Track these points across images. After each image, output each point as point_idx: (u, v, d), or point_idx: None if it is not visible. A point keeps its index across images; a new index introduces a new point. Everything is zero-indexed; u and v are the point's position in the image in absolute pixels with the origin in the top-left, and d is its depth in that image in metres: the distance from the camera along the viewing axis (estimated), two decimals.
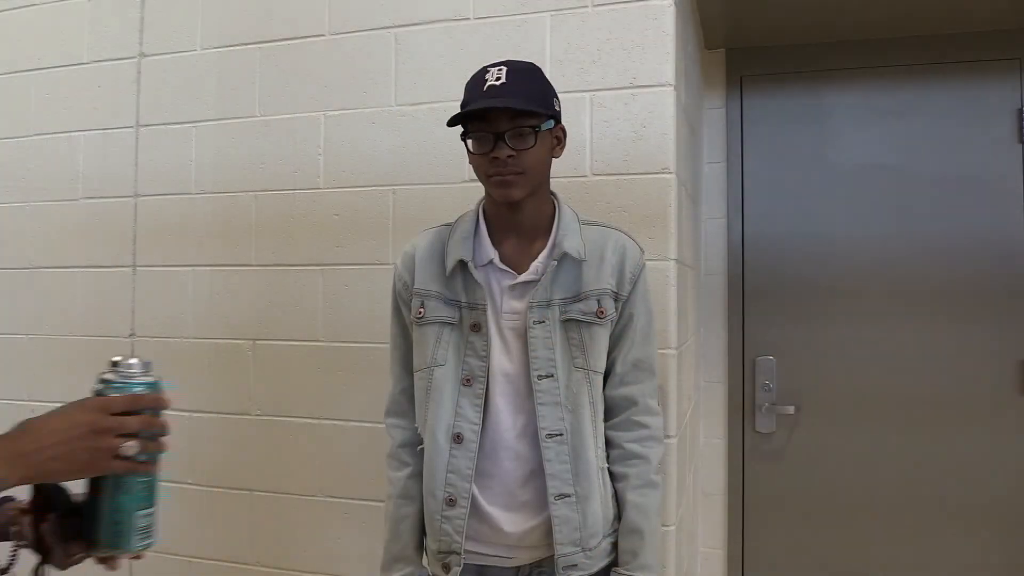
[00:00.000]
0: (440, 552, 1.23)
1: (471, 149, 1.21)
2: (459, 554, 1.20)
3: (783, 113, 2.42)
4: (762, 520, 2.39)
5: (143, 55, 2.11)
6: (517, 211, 1.24)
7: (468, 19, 1.81)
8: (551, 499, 1.19)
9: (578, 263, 1.23)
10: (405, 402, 1.33)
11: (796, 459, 2.36)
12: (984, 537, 2.21)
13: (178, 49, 2.07)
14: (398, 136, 1.85)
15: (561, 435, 1.20)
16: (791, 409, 2.34)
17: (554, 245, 1.23)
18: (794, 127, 2.40)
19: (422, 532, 1.30)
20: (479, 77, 1.22)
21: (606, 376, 1.26)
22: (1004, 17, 2.18)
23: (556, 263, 1.22)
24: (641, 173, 1.66)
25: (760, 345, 2.40)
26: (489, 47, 1.77)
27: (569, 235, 1.24)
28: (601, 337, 1.23)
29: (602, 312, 1.22)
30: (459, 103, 1.22)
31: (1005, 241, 2.22)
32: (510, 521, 1.22)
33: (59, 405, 0.76)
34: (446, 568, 1.22)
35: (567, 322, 1.22)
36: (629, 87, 1.68)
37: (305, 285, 1.93)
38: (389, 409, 1.36)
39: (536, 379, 1.20)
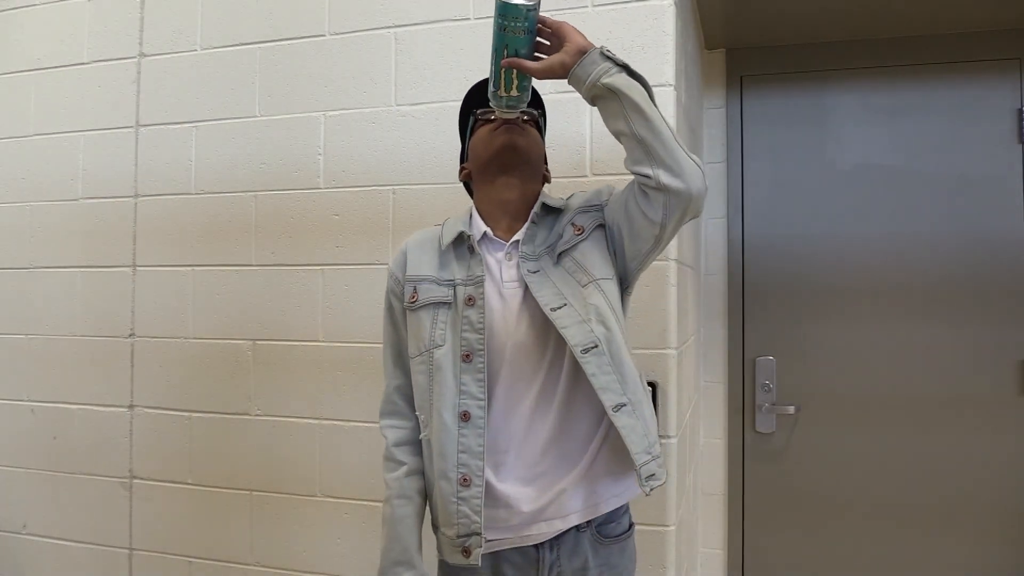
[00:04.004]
0: (459, 537, 1.19)
1: (488, 118, 1.30)
2: (479, 534, 1.18)
3: (783, 113, 2.42)
4: (762, 520, 2.39)
5: (143, 55, 2.11)
6: (512, 189, 1.28)
7: (468, 19, 1.81)
8: (610, 411, 1.17)
9: (557, 212, 1.30)
10: (399, 400, 1.33)
11: (796, 459, 2.36)
12: (984, 537, 2.21)
13: (178, 49, 2.07)
14: (398, 136, 1.85)
15: (596, 346, 1.18)
16: (791, 409, 2.34)
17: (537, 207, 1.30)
18: (794, 127, 2.40)
19: (421, 533, 1.28)
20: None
21: (625, 201, 1.24)
22: (1004, 17, 2.18)
23: (536, 216, 1.28)
24: None
25: (760, 345, 2.40)
26: (488, 47, 1.77)
27: (550, 197, 1.32)
28: (591, 249, 1.25)
29: (579, 229, 1.26)
30: (459, 103, 1.25)
31: (1005, 241, 2.23)
32: (527, 497, 1.20)
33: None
34: (466, 552, 1.19)
35: (559, 259, 1.25)
36: None
37: (305, 285, 1.93)
38: (383, 410, 1.35)
39: (550, 311, 1.19)
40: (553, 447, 1.21)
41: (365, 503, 1.86)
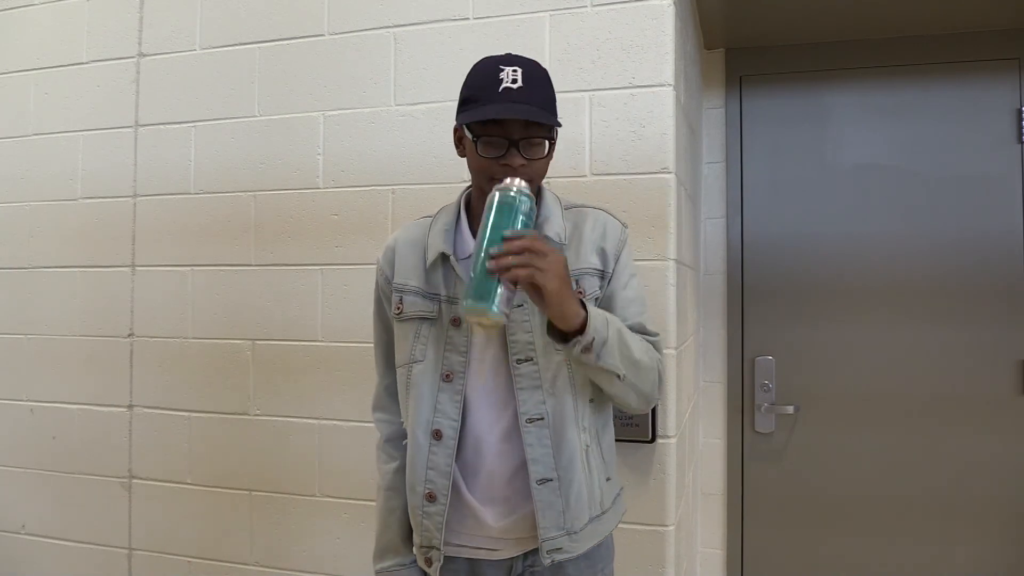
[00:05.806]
0: (422, 546, 1.23)
1: (480, 152, 1.14)
2: (439, 549, 1.20)
3: (783, 113, 2.42)
4: (762, 520, 2.39)
5: (143, 55, 2.11)
6: None
7: (468, 19, 1.81)
8: (533, 484, 1.17)
9: (559, 247, 1.21)
10: (388, 398, 1.34)
11: (796, 459, 2.36)
12: (984, 537, 2.21)
13: (178, 49, 2.07)
14: (398, 136, 1.85)
15: (542, 419, 1.18)
16: (790, 409, 2.34)
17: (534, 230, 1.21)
18: (794, 127, 2.40)
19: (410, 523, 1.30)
20: (491, 74, 1.13)
21: None
22: (1003, 17, 2.18)
23: None
24: (640, 173, 1.66)
25: (760, 345, 2.40)
26: (488, 47, 1.77)
27: (551, 219, 1.23)
28: None
29: (580, 293, 1.19)
30: (459, 103, 1.20)
31: (1005, 241, 2.22)
32: (494, 514, 1.21)
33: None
34: (428, 562, 1.22)
35: None
36: (628, 87, 1.68)
37: (305, 285, 1.93)
38: (375, 404, 1.37)
39: (515, 363, 1.18)
40: (520, 475, 1.20)
41: (365, 503, 1.86)
